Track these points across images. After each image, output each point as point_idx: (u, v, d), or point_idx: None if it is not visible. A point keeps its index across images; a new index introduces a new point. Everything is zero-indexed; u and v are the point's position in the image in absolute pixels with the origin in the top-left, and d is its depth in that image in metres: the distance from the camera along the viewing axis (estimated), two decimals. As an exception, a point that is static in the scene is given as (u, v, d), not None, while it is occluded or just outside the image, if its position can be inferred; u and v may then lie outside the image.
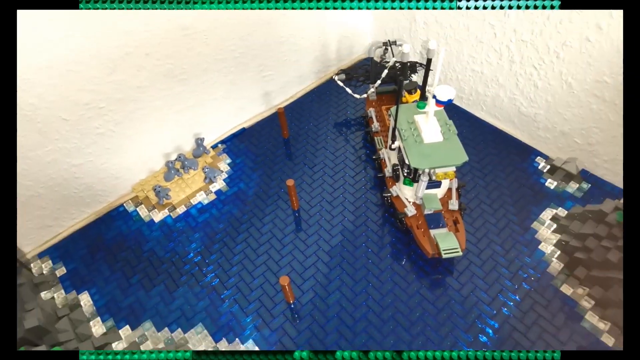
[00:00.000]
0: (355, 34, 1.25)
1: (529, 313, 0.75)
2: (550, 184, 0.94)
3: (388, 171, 0.91)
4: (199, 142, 1.02)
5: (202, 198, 0.96)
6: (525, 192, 0.93)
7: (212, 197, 0.97)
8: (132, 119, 0.89)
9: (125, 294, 0.81)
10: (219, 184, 0.99)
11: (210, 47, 0.92)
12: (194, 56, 0.91)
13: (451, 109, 1.14)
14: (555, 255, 0.82)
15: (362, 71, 1.09)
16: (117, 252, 0.87)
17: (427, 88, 0.89)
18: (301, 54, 1.15)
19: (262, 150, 1.07)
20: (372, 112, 1.05)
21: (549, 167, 0.97)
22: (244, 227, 0.91)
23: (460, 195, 0.88)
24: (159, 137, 0.97)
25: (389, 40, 1.01)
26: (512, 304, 0.76)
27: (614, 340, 0.71)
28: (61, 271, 0.85)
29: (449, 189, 0.86)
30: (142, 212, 0.94)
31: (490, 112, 1.09)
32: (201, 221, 0.92)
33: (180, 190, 0.96)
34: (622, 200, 0.75)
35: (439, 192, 0.84)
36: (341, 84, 1.06)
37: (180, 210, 0.94)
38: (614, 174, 0.92)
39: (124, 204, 0.96)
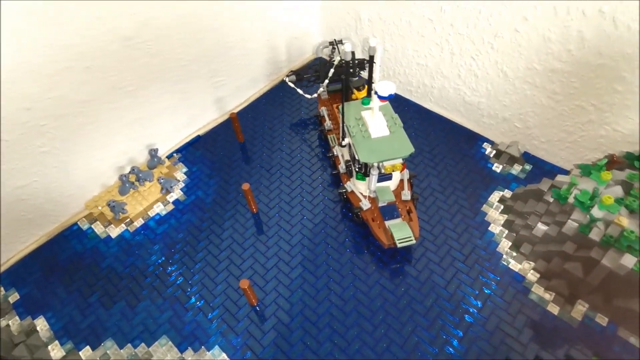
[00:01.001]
0: (304, 35, 1.27)
1: (482, 291, 0.79)
2: (497, 167, 0.99)
3: (342, 167, 0.93)
4: (153, 153, 1.00)
5: (160, 209, 0.95)
6: (474, 177, 0.98)
7: (170, 207, 0.96)
8: (79, 135, 0.87)
9: (83, 314, 0.79)
10: (176, 194, 0.98)
11: (156, 56, 0.91)
12: (139, 67, 0.89)
13: (402, 102, 1.18)
14: (504, 235, 0.87)
15: (312, 71, 1.11)
16: (73, 272, 0.85)
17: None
18: (251, 58, 1.15)
19: (219, 156, 1.06)
20: (324, 110, 1.06)
21: (494, 152, 1.02)
22: (204, 234, 0.91)
23: (413, 185, 0.92)
24: (109, 152, 0.95)
25: (335, 40, 1.03)
26: (466, 284, 0.80)
27: (558, 309, 0.76)
28: (14, 297, 0.82)
29: (401, 180, 0.89)
30: (98, 228, 0.92)
31: (438, 103, 1.14)
32: (160, 232, 0.91)
33: (137, 203, 0.95)
34: (557, 178, 0.80)
35: (392, 184, 0.87)
36: (292, 85, 1.07)
37: (138, 223, 0.93)
38: (551, 154, 0.98)
39: (78, 222, 0.93)
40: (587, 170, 0.76)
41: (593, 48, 0.78)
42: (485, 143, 1.05)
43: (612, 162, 0.75)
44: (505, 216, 0.89)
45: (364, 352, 0.72)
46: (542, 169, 0.98)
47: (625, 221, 0.69)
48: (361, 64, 1.06)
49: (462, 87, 1.05)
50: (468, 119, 1.10)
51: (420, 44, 1.06)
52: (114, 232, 0.91)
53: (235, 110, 1.17)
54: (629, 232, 0.67)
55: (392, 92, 0.73)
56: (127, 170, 0.99)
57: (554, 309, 0.76)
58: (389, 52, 1.16)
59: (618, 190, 0.73)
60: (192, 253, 0.87)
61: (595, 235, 0.70)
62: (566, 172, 0.94)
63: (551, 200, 0.79)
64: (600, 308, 0.74)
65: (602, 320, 0.74)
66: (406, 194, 0.86)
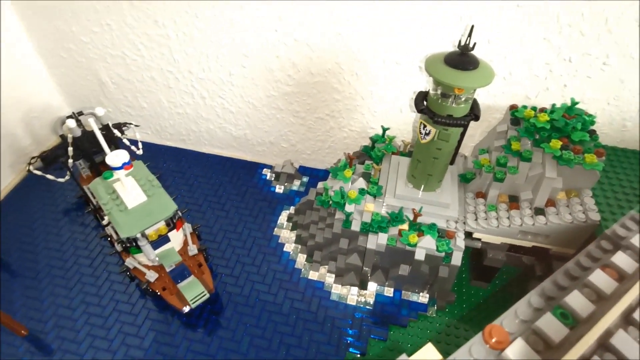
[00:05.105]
0: (46, 111, 1.12)
1: (291, 312, 0.82)
2: (279, 189, 1.05)
3: (118, 246, 0.85)
4: None
5: None
6: (261, 204, 1.02)
7: None
8: None
9: None
10: None
11: None
12: None
13: (179, 153, 1.15)
14: (298, 250, 0.92)
15: (62, 150, 0.99)
16: None
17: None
18: (-23, 155, 0.96)
19: (-39, 285, 0.85)
20: (88, 189, 0.96)
21: (274, 175, 1.09)
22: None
23: (200, 236, 0.90)
24: None
25: (73, 112, 0.94)
26: (275, 312, 0.81)
27: (355, 298, 0.84)
28: None
29: (185, 236, 0.86)
30: None
31: (211, 144, 1.15)
32: None
33: None
34: (319, 185, 0.89)
35: (175, 243, 0.83)
36: (39, 172, 0.94)
37: None
38: (319, 162, 1.09)
39: None
40: (335, 172, 0.86)
41: (305, 70, 0.89)
42: (264, 169, 1.11)
43: (351, 159, 0.87)
44: (294, 232, 0.95)
45: None
46: (317, 177, 1.08)
47: (371, 206, 0.81)
48: (119, 129, 0.99)
49: (225, 124, 1.08)
50: (243, 152, 1.14)
51: (172, 95, 1.06)
52: None
53: (-24, 221, 0.96)
54: (375, 214, 0.79)
55: (126, 160, 0.70)
56: None
57: (353, 300, 0.83)
58: (147, 109, 1.12)
59: (362, 182, 0.85)
60: None
61: (355, 226, 0.79)
62: (334, 174, 1.07)
63: (320, 208, 0.87)
64: (384, 283, 0.85)
65: (389, 292, 0.84)
66: (192, 249, 0.83)
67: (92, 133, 0.87)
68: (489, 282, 0.86)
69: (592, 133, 0.73)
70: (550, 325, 0.33)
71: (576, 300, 0.35)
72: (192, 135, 1.14)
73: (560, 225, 0.72)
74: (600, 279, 0.37)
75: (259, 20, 0.84)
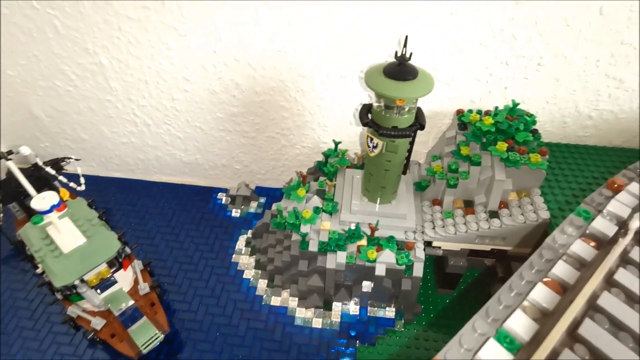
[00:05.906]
0: (-24, 152, 1.04)
1: (255, 344, 0.77)
2: (236, 212, 1.02)
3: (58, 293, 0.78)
4: None
5: None
6: (217, 231, 0.97)
7: None
8: None
9: None
10: None
11: None
12: None
13: (126, 185, 1.09)
14: (258, 276, 0.88)
15: (-6, 193, 0.91)
16: None
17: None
18: None
19: None
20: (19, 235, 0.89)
21: (229, 198, 1.05)
22: None
23: (152, 272, 0.84)
24: None
25: (1, 152, 0.87)
26: (238, 345, 0.77)
27: (321, 320, 0.81)
28: None
29: (136, 274, 0.81)
30: None
31: (162, 171, 1.10)
32: None
33: None
34: (273, 207, 0.85)
35: (123, 284, 0.77)
36: (-35, 220, 0.86)
37: None
38: (275, 181, 1.07)
39: None
40: (288, 192, 0.84)
41: (249, 89, 0.86)
42: (219, 193, 1.06)
43: (304, 178, 0.84)
44: (254, 257, 0.91)
45: None
46: (274, 197, 1.05)
47: (327, 225, 0.78)
48: (56, 165, 0.92)
49: (174, 151, 1.04)
50: (196, 177, 1.09)
51: (114, 125, 1.00)
52: None
53: None
54: (332, 232, 0.76)
55: (55, 202, 0.64)
56: None
57: (318, 323, 0.80)
58: (88, 140, 1.05)
59: (316, 200, 0.83)
60: None
61: (313, 247, 0.77)
62: (291, 192, 1.04)
63: (277, 230, 0.84)
64: (348, 301, 0.82)
65: (355, 310, 0.82)
66: (143, 287, 0.78)
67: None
68: (453, 289, 0.85)
69: (535, 132, 0.74)
70: (494, 353, 0.31)
71: (519, 321, 0.33)
72: (141, 164, 1.09)
73: (515, 226, 0.72)
74: (542, 293, 0.36)
75: (196, 42, 0.80)
